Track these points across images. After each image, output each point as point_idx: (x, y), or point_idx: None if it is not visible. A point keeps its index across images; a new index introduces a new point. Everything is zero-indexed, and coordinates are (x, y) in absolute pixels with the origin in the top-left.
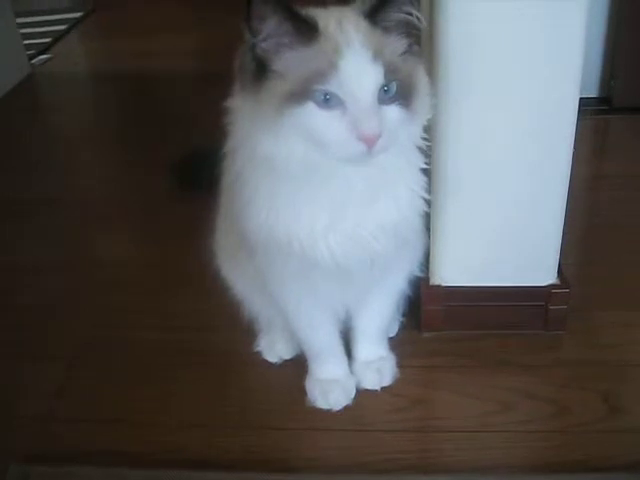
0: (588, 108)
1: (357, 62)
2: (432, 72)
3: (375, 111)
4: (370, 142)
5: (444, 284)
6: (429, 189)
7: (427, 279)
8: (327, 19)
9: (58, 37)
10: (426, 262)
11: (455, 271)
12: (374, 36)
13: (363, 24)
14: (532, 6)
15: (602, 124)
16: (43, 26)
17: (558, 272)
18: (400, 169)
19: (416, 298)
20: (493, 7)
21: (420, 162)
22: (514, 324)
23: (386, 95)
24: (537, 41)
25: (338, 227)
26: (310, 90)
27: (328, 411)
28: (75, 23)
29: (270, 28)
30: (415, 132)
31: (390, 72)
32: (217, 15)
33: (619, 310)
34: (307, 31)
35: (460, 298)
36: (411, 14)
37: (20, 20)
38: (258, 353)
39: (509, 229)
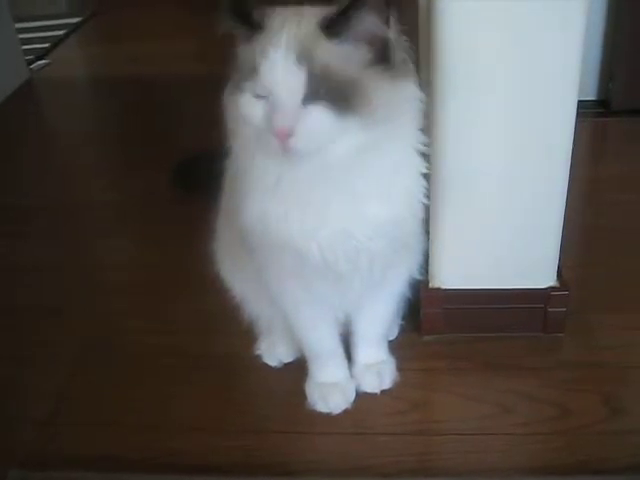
0: (586, 111)
1: (277, 63)
2: (431, 76)
3: (291, 110)
4: (281, 138)
5: (443, 287)
6: (428, 194)
7: (426, 282)
8: (282, 18)
9: (57, 42)
10: (425, 265)
11: (454, 274)
12: (314, 40)
13: (311, 28)
14: (530, 7)
15: (600, 127)
16: (42, 31)
17: (557, 274)
18: (394, 170)
19: (416, 301)
20: (490, 8)
21: (420, 166)
22: (513, 326)
23: (314, 97)
24: (535, 43)
25: (328, 225)
26: (245, 82)
27: (328, 414)
28: (74, 28)
29: (228, 21)
30: (375, 139)
31: (320, 77)
32: (215, 19)
33: (618, 312)
34: (253, 28)
35: (459, 301)
36: (376, 27)
37: (19, 25)
38: (258, 356)
39: (508, 232)
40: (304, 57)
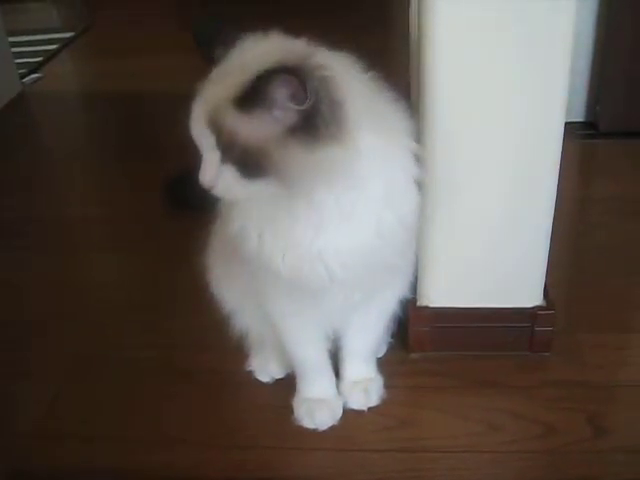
0: (575, 132)
1: (195, 122)
2: (420, 98)
3: (209, 166)
4: (205, 187)
5: (431, 305)
6: (410, 223)
7: (414, 300)
8: (228, 66)
9: (50, 56)
10: (414, 283)
11: (442, 292)
12: (225, 108)
13: (228, 93)
14: (517, 28)
15: (589, 148)
16: (35, 45)
17: (544, 294)
18: (365, 201)
19: (404, 319)
20: (478, 30)
21: (404, 196)
22: (500, 345)
23: (226, 158)
24: (522, 64)
25: (299, 248)
26: None
27: (315, 430)
28: (67, 43)
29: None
30: (299, 196)
31: (227, 143)
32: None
33: (604, 332)
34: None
35: (447, 319)
36: (288, 100)
37: (12, 39)
38: (250, 372)
39: (495, 251)
40: (213, 123)
